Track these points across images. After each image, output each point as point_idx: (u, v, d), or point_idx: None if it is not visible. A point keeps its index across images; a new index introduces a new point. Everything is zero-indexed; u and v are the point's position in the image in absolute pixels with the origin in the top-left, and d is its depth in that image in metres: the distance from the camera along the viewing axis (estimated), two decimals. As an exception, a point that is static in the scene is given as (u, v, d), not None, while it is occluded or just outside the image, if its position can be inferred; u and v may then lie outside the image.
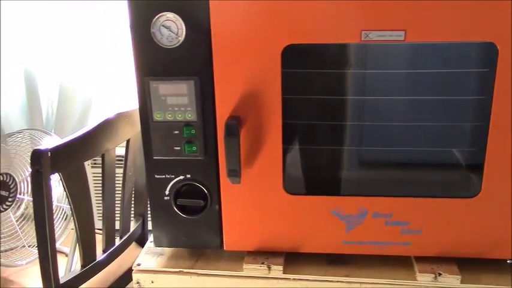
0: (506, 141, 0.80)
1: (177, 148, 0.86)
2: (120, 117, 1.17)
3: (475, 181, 0.85)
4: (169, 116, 0.84)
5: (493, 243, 0.86)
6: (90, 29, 1.73)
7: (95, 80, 1.79)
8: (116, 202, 1.26)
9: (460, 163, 0.96)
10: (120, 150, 1.26)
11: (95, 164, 1.71)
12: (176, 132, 0.85)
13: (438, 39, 0.78)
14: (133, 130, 1.24)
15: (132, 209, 1.37)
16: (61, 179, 1.06)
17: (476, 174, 0.85)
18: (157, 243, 0.94)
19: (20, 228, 1.61)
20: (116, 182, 1.25)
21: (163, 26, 0.81)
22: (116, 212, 1.27)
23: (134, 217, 1.39)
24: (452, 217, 0.86)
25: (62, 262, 1.47)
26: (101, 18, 1.72)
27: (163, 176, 0.89)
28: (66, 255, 1.57)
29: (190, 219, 0.91)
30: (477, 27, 0.76)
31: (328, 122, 0.90)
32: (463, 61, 0.89)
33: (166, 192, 0.90)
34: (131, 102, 1.04)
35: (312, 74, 0.86)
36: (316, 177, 0.94)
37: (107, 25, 1.73)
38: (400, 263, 0.90)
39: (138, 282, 0.94)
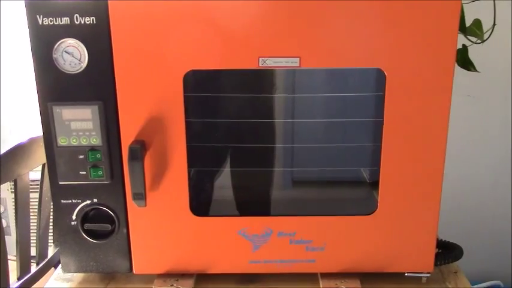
0: (397, 161, 0.85)
1: (82, 173, 0.86)
2: (33, 141, 1.15)
3: (375, 199, 0.90)
4: (74, 140, 0.84)
5: (392, 258, 0.91)
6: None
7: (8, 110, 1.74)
8: (33, 228, 1.23)
9: (365, 182, 1.01)
10: (37, 175, 1.24)
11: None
12: (81, 157, 0.85)
13: (331, 65, 0.83)
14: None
15: (51, 234, 1.34)
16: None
17: (376, 192, 0.89)
18: (66, 269, 0.93)
19: None
20: (33, 207, 1.22)
21: (65, 51, 0.81)
22: (33, 238, 1.24)
23: (53, 243, 1.36)
24: (353, 234, 0.90)
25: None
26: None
27: (70, 201, 0.88)
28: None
29: (99, 244, 0.90)
30: (365, 55, 0.81)
31: (231, 144, 0.92)
32: (366, 85, 0.95)
33: (73, 217, 0.89)
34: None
35: (214, 98, 0.89)
36: (222, 198, 0.96)
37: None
38: (307, 280, 0.93)
39: (46, 310, 0.92)
